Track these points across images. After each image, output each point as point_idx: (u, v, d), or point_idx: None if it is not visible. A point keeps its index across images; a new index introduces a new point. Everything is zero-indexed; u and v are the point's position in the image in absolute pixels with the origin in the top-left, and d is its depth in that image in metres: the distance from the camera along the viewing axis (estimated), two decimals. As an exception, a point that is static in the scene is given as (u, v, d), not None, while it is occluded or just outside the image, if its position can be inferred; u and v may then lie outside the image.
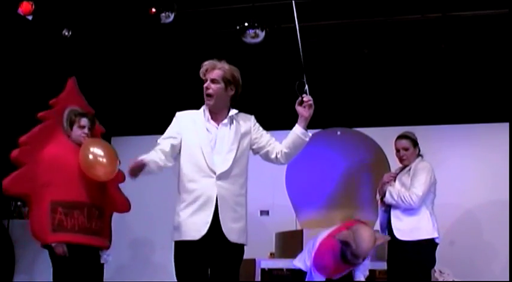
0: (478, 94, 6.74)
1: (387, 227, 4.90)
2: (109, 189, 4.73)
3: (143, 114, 7.59)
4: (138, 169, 3.41)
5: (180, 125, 3.63)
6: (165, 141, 3.60)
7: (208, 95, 3.58)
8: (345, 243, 4.29)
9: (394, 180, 5.02)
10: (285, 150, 3.61)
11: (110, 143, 7.69)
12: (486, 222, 6.57)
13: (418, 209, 4.83)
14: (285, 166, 6.29)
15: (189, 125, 3.62)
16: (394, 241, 4.78)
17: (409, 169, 4.99)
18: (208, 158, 3.52)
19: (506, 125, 6.27)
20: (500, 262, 6.32)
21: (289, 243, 5.89)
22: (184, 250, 3.50)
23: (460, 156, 6.84)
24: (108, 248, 4.65)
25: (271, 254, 6.25)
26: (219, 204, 3.47)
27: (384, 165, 6.17)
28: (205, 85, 3.58)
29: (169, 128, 3.67)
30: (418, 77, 6.95)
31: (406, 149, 5.06)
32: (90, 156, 4.43)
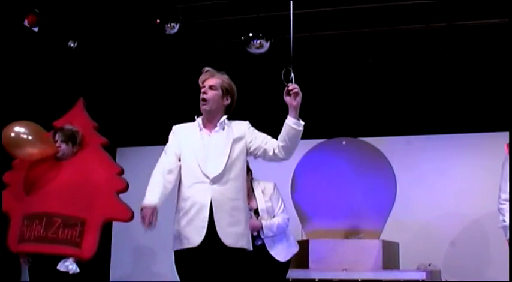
0: (483, 103, 6.73)
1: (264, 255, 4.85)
2: (101, 198, 4.61)
3: (148, 125, 7.60)
4: (152, 218, 3.43)
5: (177, 139, 3.69)
6: (169, 157, 3.64)
7: (204, 100, 3.63)
8: None
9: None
10: (281, 143, 3.55)
11: (115, 153, 7.81)
12: (488, 228, 6.53)
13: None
14: (290, 176, 6.31)
15: (184, 137, 3.67)
16: (275, 264, 4.82)
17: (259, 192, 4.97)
18: (201, 164, 3.54)
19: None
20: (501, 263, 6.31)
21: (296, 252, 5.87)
22: (185, 259, 3.51)
23: (463, 165, 6.84)
24: (75, 256, 4.45)
25: (276, 264, 6.23)
26: (214, 209, 3.47)
27: (389, 175, 6.17)
28: (203, 90, 3.65)
29: (168, 143, 3.72)
30: (423, 86, 6.95)
31: None
32: (12, 134, 4.51)
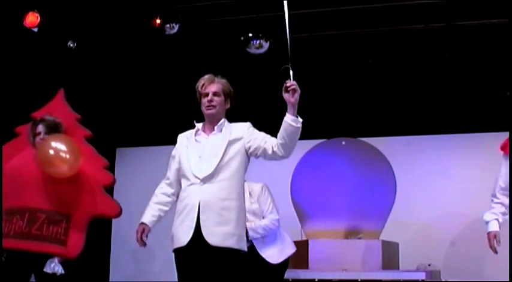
0: (483, 103, 6.74)
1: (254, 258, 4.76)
2: (87, 192, 4.36)
3: (148, 125, 7.60)
4: (142, 234, 3.68)
5: (177, 148, 3.79)
6: (170, 172, 3.76)
7: (211, 106, 3.68)
8: None
9: None
10: (279, 141, 3.54)
11: (115, 153, 7.81)
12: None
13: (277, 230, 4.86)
14: (290, 176, 6.32)
15: (183, 143, 3.76)
16: (267, 267, 4.75)
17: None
18: (193, 166, 3.61)
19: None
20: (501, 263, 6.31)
21: (295, 253, 5.88)
22: (177, 258, 3.59)
23: (463, 165, 6.84)
24: (61, 254, 4.24)
25: (276, 264, 6.22)
26: (201, 209, 3.52)
27: (389, 175, 6.17)
28: (208, 98, 3.67)
29: (172, 153, 3.82)
30: (423, 86, 6.95)
31: None
32: (51, 152, 4.19)
